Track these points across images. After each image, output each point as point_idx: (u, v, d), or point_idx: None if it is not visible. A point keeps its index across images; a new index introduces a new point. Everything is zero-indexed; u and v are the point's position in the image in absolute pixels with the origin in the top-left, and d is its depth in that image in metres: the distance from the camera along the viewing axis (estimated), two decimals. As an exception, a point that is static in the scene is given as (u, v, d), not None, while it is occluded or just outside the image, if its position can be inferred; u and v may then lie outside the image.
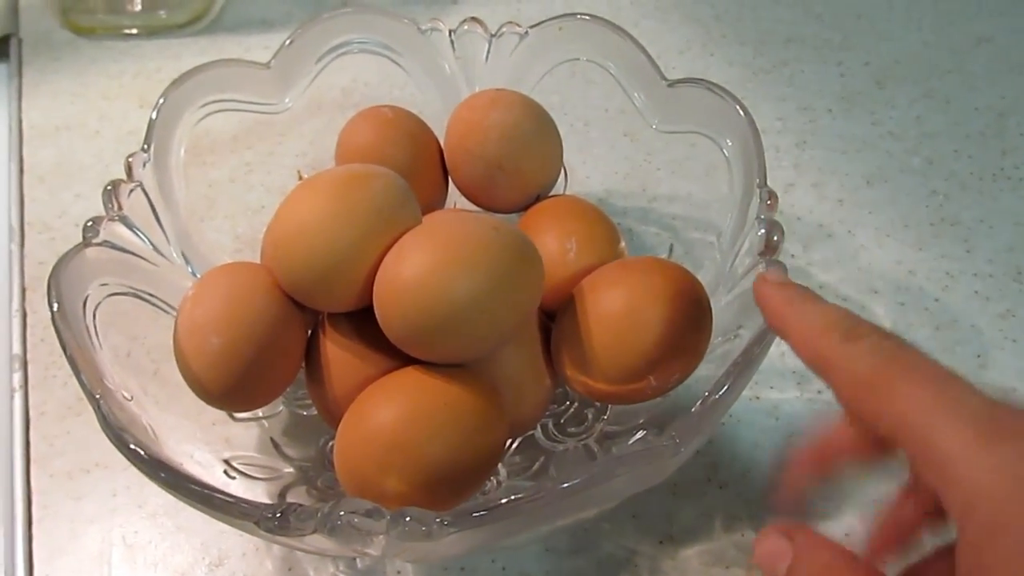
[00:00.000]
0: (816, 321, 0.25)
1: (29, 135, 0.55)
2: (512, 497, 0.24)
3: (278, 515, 0.25)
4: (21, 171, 0.53)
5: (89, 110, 0.56)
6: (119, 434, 0.26)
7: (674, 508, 0.37)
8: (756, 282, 0.28)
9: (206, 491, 0.26)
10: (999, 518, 0.19)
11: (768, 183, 0.34)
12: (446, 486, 0.30)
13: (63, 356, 0.29)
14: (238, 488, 0.33)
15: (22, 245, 0.49)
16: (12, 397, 0.42)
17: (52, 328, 0.30)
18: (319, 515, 0.25)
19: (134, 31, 0.61)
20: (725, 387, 0.27)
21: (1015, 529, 0.18)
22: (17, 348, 0.44)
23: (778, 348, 0.42)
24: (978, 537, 0.19)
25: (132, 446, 0.26)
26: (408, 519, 0.24)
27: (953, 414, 0.20)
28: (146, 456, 0.26)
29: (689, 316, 0.32)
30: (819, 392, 0.41)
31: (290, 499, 0.34)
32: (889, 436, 0.21)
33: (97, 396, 0.28)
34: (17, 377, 0.43)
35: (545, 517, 0.27)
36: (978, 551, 0.19)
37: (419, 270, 0.30)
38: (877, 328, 0.24)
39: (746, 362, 0.28)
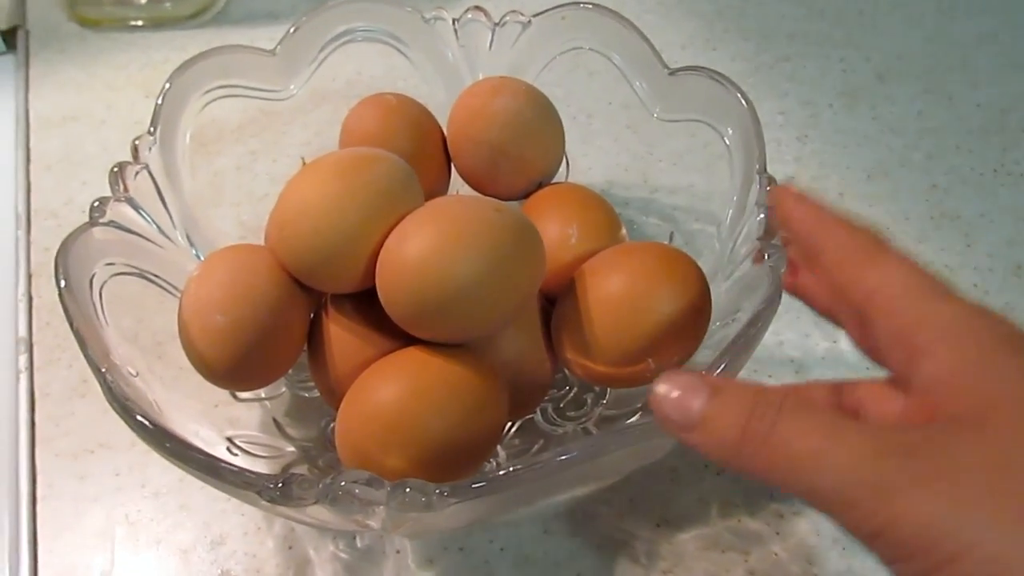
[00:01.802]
0: (821, 210, 0.27)
1: (36, 125, 0.55)
2: (511, 468, 0.25)
3: (280, 484, 0.25)
4: (28, 160, 0.53)
5: (95, 101, 0.57)
6: (125, 404, 0.27)
7: (671, 493, 0.38)
8: (771, 189, 0.31)
9: (210, 461, 0.26)
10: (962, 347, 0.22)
11: (768, 172, 0.34)
12: (446, 465, 0.30)
13: (68, 339, 0.30)
14: (241, 464, 0.33)
15: (28, 232, 0.49)
16: (18, 379, 0.42)
17: (57, 312, 0.30)
18: (320, 485, 0.25)
19: (140, 23, 0.61)
20: (721, 367, 0.28)
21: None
22: (23, 331, 0.44)
23: (776, 337, 0.42)
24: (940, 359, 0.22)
25: (138, 416, 0.26)
26: (408, 489, 0.25)
27: (927, 281, 0.24)
28: (151, 426, 0.26)
29: (688, 300, 0.32)
30: (817, 380, 0.41)
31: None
32: (863, 298, 0.25)
33: (103, 369, 0.28)
34: (23, 359, 0.43)
35: (544, 489, 0.27)
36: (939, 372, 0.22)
37: (421, 250, 0.30)
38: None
39: (742, 343, 0.28)
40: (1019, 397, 0.21)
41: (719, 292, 0.34)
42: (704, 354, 0.34)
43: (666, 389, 0.23)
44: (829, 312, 0.30)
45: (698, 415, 0.23)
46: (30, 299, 0.46)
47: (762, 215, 0.32)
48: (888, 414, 0.25)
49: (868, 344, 0.26)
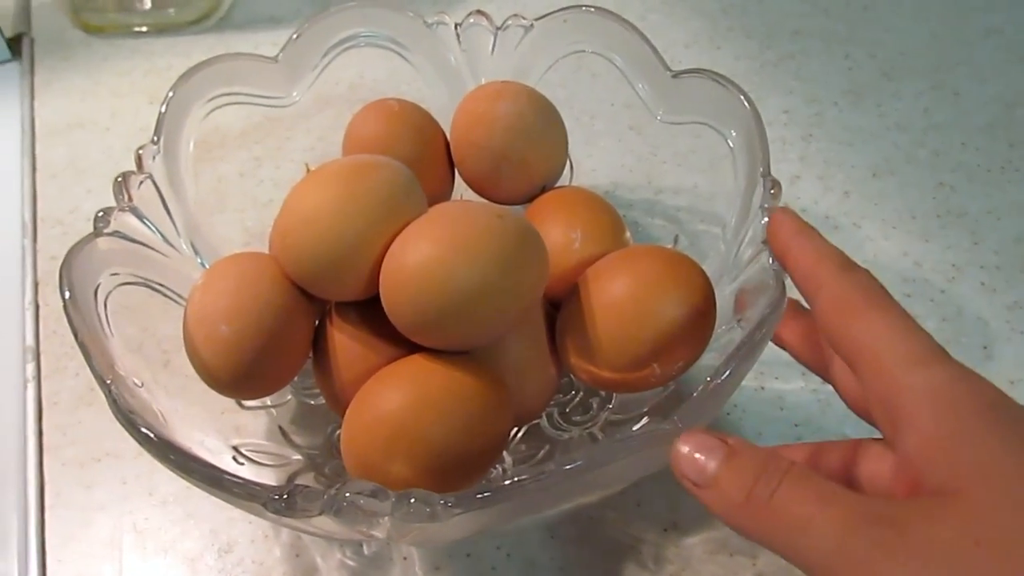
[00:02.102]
0: (818, 250, 0.28)
1: (41, 132, 0.55)
2: (516, 478, 0.25)
3: (285, 496, 0.25)
4: (34, 168, 0.53)
5: (100, 107, 0.57)
6: (129, 417, 0.27)
7: (679, 497, 0.37)
8: (771, 215, 0.31)
9: (214, 473, 0.26)
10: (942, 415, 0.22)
11: (773, 175, 0.34)
12: (451, 473, 0.30)
13: (75, 347, 0.30)
14: (246, 474, 0.33)
15: (35, 240, 0.50)
16: (25, 387, 0.43)
17: (64, 321, 0.30)
18: (325, 496, 0.25)
19: (144, 29, 0.61)
20: (727, 372, 0.27)
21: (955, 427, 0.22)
22: (30, 340, 0.44)
23: (783, 338, 0.42)
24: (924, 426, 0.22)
25: (142, 428, 0.26)
26: (412, 500, 0.25)
27: (911, 340, 0.24)
28: (156, 438, 0.26)
29: (693, 304, 0.32)
30: (823, 382, 0.41)
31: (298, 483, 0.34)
32: (850, 353, 0.25)
33: (108, 381, 0.28)
34: (30, 368, 0.43)
35: (549, 499, 0.27)
36: (925, 441, 0.22)
37: (424, 258, 0.30)
38: (868, 271, 0.27)
39: (748, 347, 0.28)
40: (994, 470, 0.20)
41: (724, 295, 0.34)
42: (710, 357, 0.34)
43: (687, 449, 0.25)
44: (815, 366, 0.31)
45: (711, 476, 0.24)
46: (37, 308, 0.46)
47: (766, 219, 0.32)
48: (881, 475, 0.26)
49: (856, 401, 0.27)
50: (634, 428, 0.35)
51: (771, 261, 0.31)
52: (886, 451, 0.25)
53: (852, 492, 0.22)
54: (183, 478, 0.27)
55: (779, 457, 0.23)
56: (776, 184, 0.33)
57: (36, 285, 0.47)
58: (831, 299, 0.26)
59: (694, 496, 0.25)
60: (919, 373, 0.23)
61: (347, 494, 0.25)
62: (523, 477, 0.25)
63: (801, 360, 0.32)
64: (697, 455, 0.25)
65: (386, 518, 0.25)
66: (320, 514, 0.25)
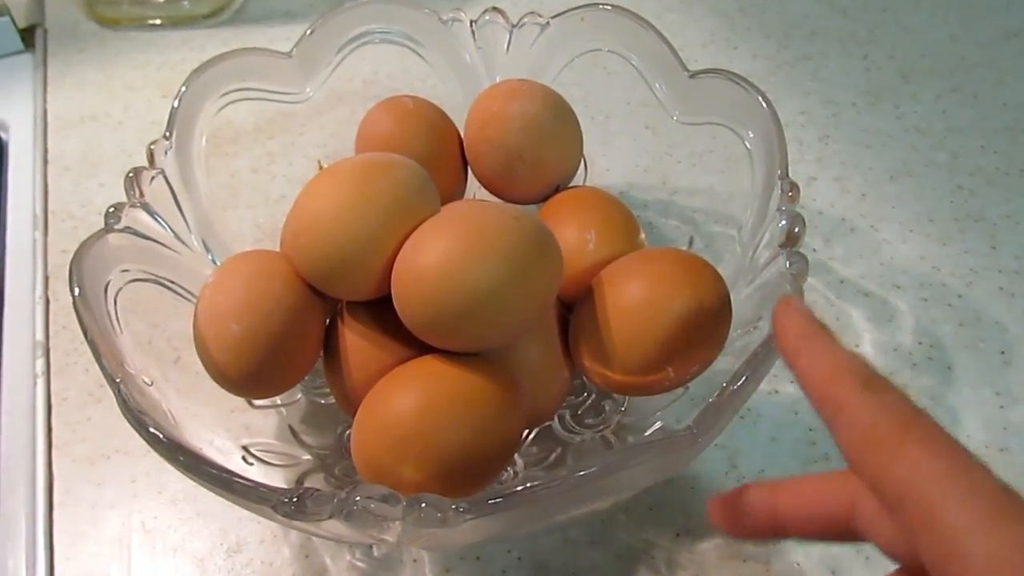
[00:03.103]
0: (834, 361, 0.23)
1: (54, 125, 0.55)
2: (528, 485, 0.24)
3: (295, 500, 0.25)
4: (46, 161, 0.53)
5: (113, 100, 0.57)
6: (139, 417, 0.26)
7: (691, 501, 0.37)
8: (777, 306, 0.26)
9: (224, 475, 0.26)
10: None
11: (790, 176, 0.33)
12: (463, 475, 0.30)
13: (84, 343, 0.29)
14: (256, 474, 0.33)
15: (46, 234, 0.49)
16: (35, 383, 0.42)
17: (74, 315, 0.30)
18: (335, 500, 0.25)
19: (158, 21, 0.61)
20: (743, 378, 0.27)
21: None
22: (40, 335, 0.44)
23: (799, 342, 0.42)
24: None
25: (151, 429, 0.26)
26: (424, 505, 0.24)
27: (966, 488, 0.19)
28: (165, 439, 0.26)
29: (709, 307, 0.32)
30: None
31: (307, 486, 0.34)
32: (892, 499, 0.20)
33: (117, 380, 0.28)
34: (40, 363, 0.43)
35: (561, 505, 0.26)
36: None
37: (438, 258, 0.30)
38: (896, 386, 0.22)
39: (764, 354, 0.28)
40: None
41: (740, 298, 0.34)
42: (726, 361, 0.33)
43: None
44: (837, 535, 0.24)
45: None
46: (47, 302, 0.46)
47: (783, 222, 0.32)
48: None
49: (894, 547, 0.22)
50: (647, 432, 0.35)
51: (788, 264, 0.31)
52: None
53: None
54: (193, 480, 0.27)
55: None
56: (794, 186, 0.33)
57: (47, 279, 0.47)
58: (858, 429, 0.21)
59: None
60: (984, 538, 0.19)
61: (357, 498, 0.25)
62: (536, 483, 0.24)
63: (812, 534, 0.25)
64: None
65: (397, 523, 0.25)
66: (330, 518, 0.25)
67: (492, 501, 0.24)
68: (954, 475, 0.19)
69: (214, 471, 0.26)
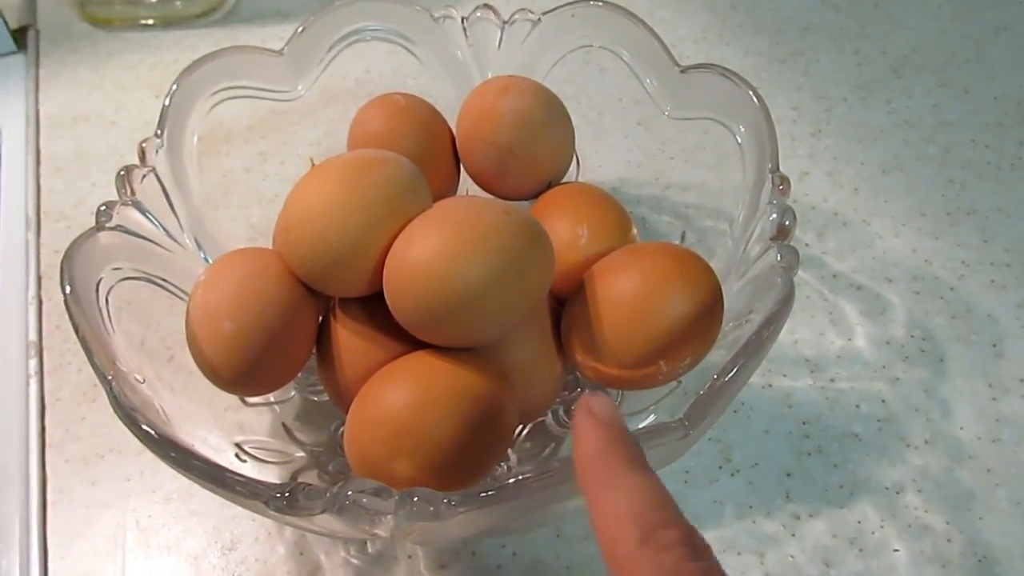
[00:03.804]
0: (620, 501, 0.19)
1: (46, 125, 0.55)
2: (520, 477, 0.24)
3: (287, 494, 0.25)
4: (38, 161, 0.53)
5: (106, 101, 0.57)
6: (130, 414, 0.26)
7: (685, 494, 0.37)
8: (578, 409, 0.23)
9: (216, 470, 0.26)
10: None
11: (782, 171, 0.33)
12: (456, 470, 0.30)
13: (77, 343, 0.29)
14: (249, 471, 0.33)
15: (38, 234, 0.49)
16: (28, 383, 0.42)
17: (67, 316, 0.30)
18: (328, 495, 0.25)
19: (151, 21, 0.61)
20: (734, 370, 0.27)
21: None
22: (33, 335, 0.44)
23: (790, 336, 0.42)
24: None
25: (143, 426, 0.26)
26: (416, 499, 0.24)
27: None
28: (157, 436, 0.26)
29: (700, 301, 0.32)
30: (831, 380, 0.40)
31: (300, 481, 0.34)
32: None
33: (109, 377, 0.28)
34: (33, 363, 0.43)
35: (554, 498, 0.26)
36: None
37: (429, 254, 0.30)
38: (686, 536, 0.19)
39: (755, 345, 0.28)
40: None
41: (732, 292, 0.34)
42: (718, 355, 0.33)
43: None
44: None
45: None
46: (40, 302, 0.46)
47: (774, 215, 0.32)
48: None
49: None
50: (640, 426, 0.35)
51: (779, 258, 0.31)
52: None
53: None
54: (185, 476, 0.27)
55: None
56: (785, 180, 0.33)
57: (39, 280, 0.47)
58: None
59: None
60: None
61: (350, 492, 0.25)
62: (527, 475, 0.24)
63: None
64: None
65: (389, 517, 0.25)
66: (323, 512, 0.25)
67: (484, 494, 0.24)
68: None
69: (207, 467, 0.26)
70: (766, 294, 0.30)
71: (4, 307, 0.46)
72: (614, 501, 0.19)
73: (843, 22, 0.58)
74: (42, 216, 0.50)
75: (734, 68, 0.37)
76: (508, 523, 0.31)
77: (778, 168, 0.33)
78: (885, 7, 0.59)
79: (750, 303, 0.32)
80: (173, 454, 0.26)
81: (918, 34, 0.57)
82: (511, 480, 0.24)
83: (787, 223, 0.31)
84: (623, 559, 0.19)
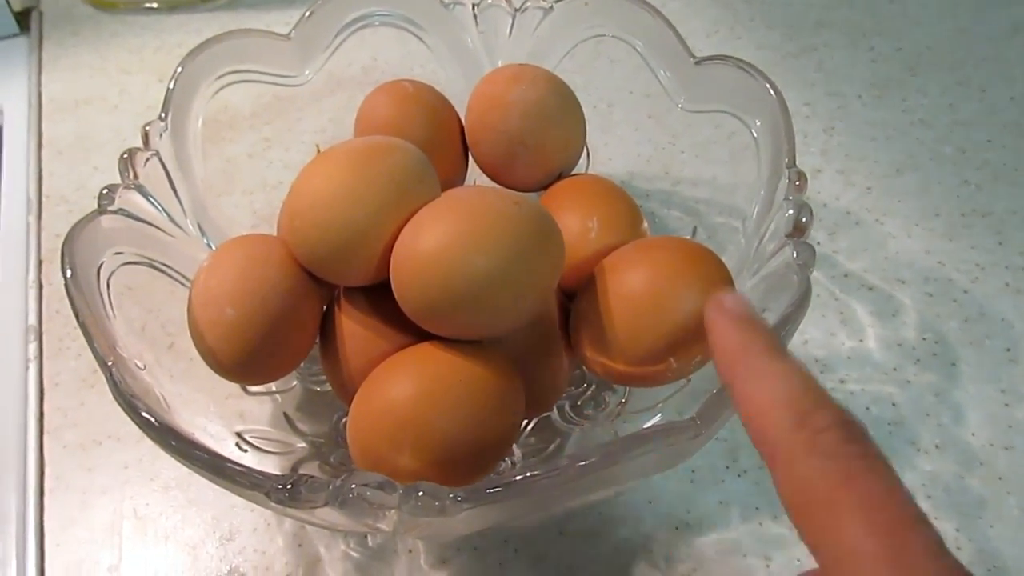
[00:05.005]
0: (768, 389, 0.20)
1: (48, 108, 0.55)
2: (528, 474, 0.24)
3: (289, 486, 0.24)
4: (40, 144, 0.53)
5: (109, 84, 0.56)
6: (130, 401, 0.26)
7: (691, 495, 0.37)
8: (707, 308, 0.23)
9: (216, 460, 0.25)
10: None
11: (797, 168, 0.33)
12: (460, 465, 0.29)
13: (77, 328, 0.29)
14: (250, 461, 0.33)
15: (39, 217, 0.49)
16: (27, 368, 0.42)
17: (67, 300, 0.29)
18: (330, 487, 0.24)
19: (155, 5, 0.60)
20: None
21: None
22: (33, 319, 0.44)
23: (800, 335, 0.41)
24: None
25: (143, 413, 0.26)
26: (420, 493, 0.24)
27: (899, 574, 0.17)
28: (157, 423, 0.25)
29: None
30: (841, 381, 0.40)
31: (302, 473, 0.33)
32: (826, 569, 0.18)
33: (109, 363, 0.27)
34: (32, 348, 0.43)
35: (561, 496, 0.26)
36: None
37: (437, 243, 0.29)
38: (841, 418, 0.19)
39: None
40: None
41: (744, 289, 0.33)
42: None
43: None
44: None
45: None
46: (40, 286, 0.45)
47: (790, 211, 0.31)
48: None
49: None
50: (648, 424, 0.34)
51: (795, 255, 0.30)
52: None
53: None
54: (185, 465, 0.26)
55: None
56: (802, 175, 0.32)
57: (40, 263, 0.46)
58: (791, 483, 0.19)
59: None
60: None
61: (353, 485, 0.24)
62: (535, 472, 0.24)
63: None
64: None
65: (393, 511, 0.25)
66: (325, 505, 0.24)
67: (490, 490, 0.24)
68: (889, 559, 0.17)
69: (207, 457, 0.25)
70: (780, 292, 0.30)
71: (4, 291, 0.45)
72: (762, 389, 0.20)
73: (858, 17, 0.58)
74: (43, 199, 0.49)
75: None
76: (514, 519, 0.30)
77: (795, 163, 0.33)
78: (901, 3, 0.58)
79: (763, 301, 0.32)
80: (173, 443, 0.25)
81: (934, 31, 0.56)
82: (518, 477, 0.24)
83: (804, 219, 0.31)
84: (779, 443, 0.19)
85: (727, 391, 0.21)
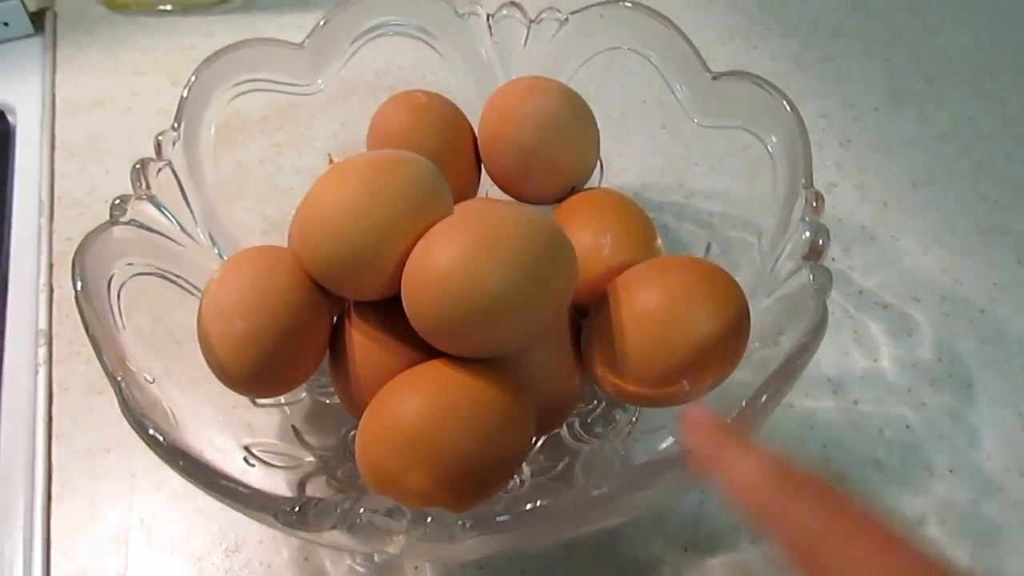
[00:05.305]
0: (746, 471, 0.22)
1: (62, 110, 0.54)
2: (538, 503, 0.24)
3: (297, 509, 0.24)
4: (53, 146, 0.52)
5: (121, 86, 0.56)
6: (139, 419, 0.26)
7: (700, 516, 0.36)
8: (678, 425, 0.25)
9: (225, 481, 0.25)
10: None
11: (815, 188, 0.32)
12: (469, 483, 0.29)
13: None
14: (257, 476, 0.33)
15: (51, 220, 0.49)
16: (36, 372, 0.42)
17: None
18: (339, 511, 0.24)
19: (168, 7, 0.60)
20: (764, 397, 0.26)
21: None
22: (43, 323, 0.44)
23: (815, 355, 0.41)
24: None
25: (151, 432, 0.25)
26: (429, 520, 0.24)
27: None
28: (165, 443, 0.25)
29: (727, 320, 0.31)
30: (855, 402, 0.39)
31: (310, 489, 0.33)
32: None
33: (119, 378, 0.27)
34: (42, 352, 0.42)
35: (572, 524, 0.26)
36: None
37: (449, 260, 0.29)
38: (811, 476, 0.22)
39: (787, 372, 0.27)
40: None
41: (759, 310, 0.33)
42: (742, 374, 0.32)
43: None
44: None
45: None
46: (51, 290, 0.45)
47: (807, 233, 0.31)
48: None
49: None
50: (659, 445, 0.34)
51: (811, 279, 0.30)
52: None
53: None
54: (192, 484, 0.26)
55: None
56: (819, 197, 0.32)
57: (51, 267, 0.46)
58: (786, 531, 0.21)
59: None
60: None
61: (361, 510, 0.24)
62: (546, 502, 0.24)
63: None
64: None
65: (400, 536, 0.24)
66: (332, 528, 0.24)
67: (500, 519, 0.24)
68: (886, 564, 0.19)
69: (214, 477, 0.25)
70: (796, 315, 0.29)
71: (15, 294, 0.45)
72: (741, 475, 0.22)
73: (876, 27, 0.57)
74: (55, 202, 0.49)
75: (761, 72, 0.36)
76: (523, 546, 0.30)
77: (812, 183, 0.32)
78: (920, 13, 0.58)
79: (778, 323, 0.31)
80: (182, 462, 0.25)
81: (953, 42, 0.56)
82: (529, 506, 0.24)
83: (820, 242, 0.30)
84: (766, 506, 0.21)
85: (714, 482, 0.23)
